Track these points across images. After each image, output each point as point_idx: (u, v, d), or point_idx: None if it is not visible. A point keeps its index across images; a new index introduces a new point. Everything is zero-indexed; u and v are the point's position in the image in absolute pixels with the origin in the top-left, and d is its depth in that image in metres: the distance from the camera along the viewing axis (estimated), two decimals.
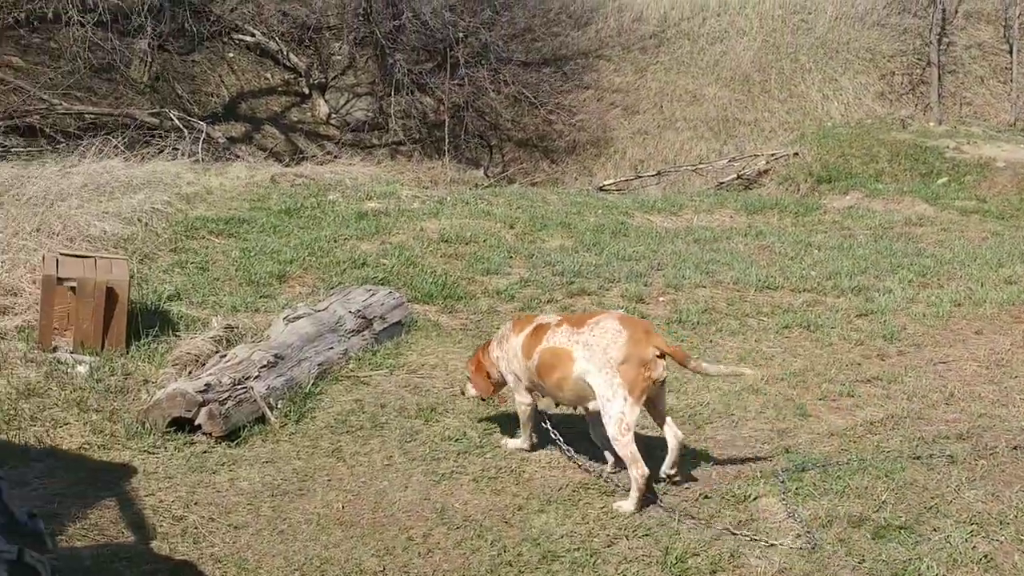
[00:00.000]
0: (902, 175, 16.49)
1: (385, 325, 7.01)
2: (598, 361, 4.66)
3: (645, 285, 8.65)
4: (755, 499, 4.77)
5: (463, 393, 5.67)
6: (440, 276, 8.54)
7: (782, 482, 4.87)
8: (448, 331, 7.50)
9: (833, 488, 4.85)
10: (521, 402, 5.22)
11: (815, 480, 4.95)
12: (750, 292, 8.66)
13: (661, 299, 8.40)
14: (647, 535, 4.45)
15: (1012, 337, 7.58)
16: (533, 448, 5.31)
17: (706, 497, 4.82)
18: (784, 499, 4.73)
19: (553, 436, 5.19)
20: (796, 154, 17.86)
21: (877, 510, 4.64)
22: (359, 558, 4.26)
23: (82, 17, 14.80)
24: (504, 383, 5.35)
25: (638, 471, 4.59)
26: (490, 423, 5.68)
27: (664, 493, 4.83)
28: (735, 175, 17.96)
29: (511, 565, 4.22)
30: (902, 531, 4.46)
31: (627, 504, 4.64)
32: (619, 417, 4.61)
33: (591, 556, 4.29)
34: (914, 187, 15.48)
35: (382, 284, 7.88)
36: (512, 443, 5.36)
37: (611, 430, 4.64)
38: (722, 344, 7.32)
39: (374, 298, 7.11)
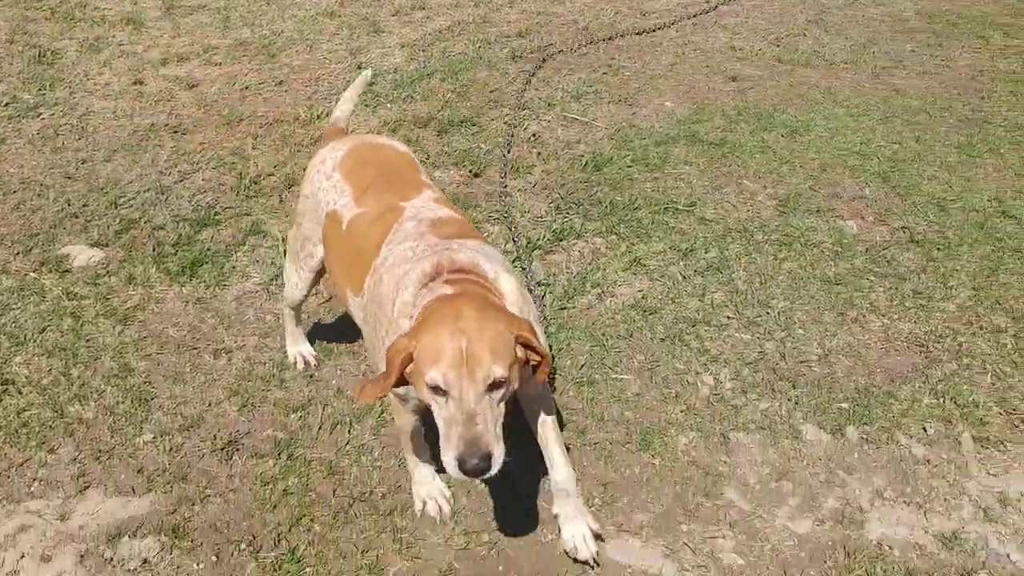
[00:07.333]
0: None
1: None
2: None
3: None
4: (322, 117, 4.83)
5: None
6: None
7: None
8: None
9: (401, 95, 5.03)
10: None
11: (385, 90, 5.09)
12: None
13: None
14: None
15: None
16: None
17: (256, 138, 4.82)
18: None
19: None
20: None
21: (441, 109, 4.90)
22: None
23: None
24: None
25: None
26: None
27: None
28: None
29: (77, 217, 4.06)
30: (464, 124, 4.76)
31: None
32: None
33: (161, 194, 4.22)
34: None
35: None
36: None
37: None
38: None
39: None
